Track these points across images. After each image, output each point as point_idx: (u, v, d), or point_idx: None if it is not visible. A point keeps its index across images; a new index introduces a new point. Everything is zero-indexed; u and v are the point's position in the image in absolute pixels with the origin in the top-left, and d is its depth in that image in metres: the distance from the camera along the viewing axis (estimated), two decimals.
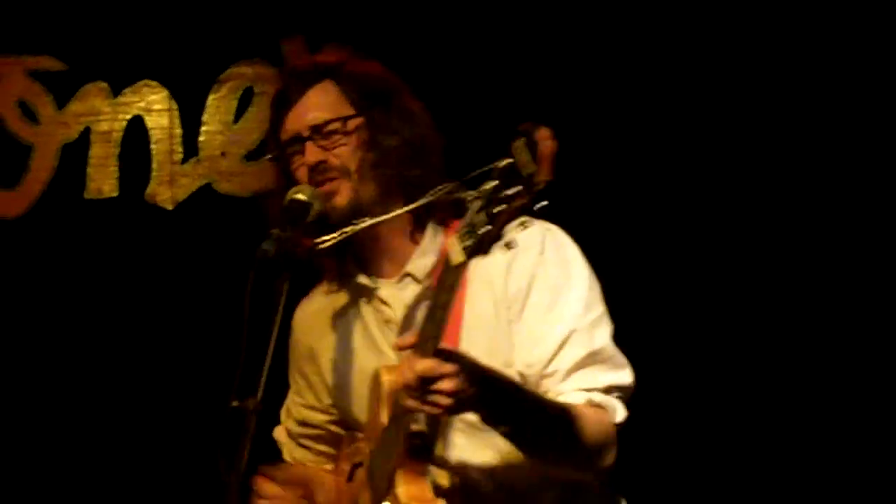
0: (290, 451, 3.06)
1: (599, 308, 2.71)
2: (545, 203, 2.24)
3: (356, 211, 2.70)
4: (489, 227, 2.24)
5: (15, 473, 4.41)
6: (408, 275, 2.76)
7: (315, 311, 2.94)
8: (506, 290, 2.68)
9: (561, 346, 2.64)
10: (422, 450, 2.60)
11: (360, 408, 2.82)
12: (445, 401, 2.40)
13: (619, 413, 2.65)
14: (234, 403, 2.54)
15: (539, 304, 2.67)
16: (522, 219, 2.23)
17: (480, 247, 2.27)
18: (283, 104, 2.79)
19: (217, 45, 4.48)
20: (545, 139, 2.20)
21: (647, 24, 4.30)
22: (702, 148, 4.27)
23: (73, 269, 4.46)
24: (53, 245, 4.47)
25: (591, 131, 4.22)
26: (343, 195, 2.70)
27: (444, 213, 2.75)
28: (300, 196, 2.67)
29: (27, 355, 4.45)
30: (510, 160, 2.22)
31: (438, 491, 2.63)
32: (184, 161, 4.51)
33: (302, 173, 2.74)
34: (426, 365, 2.38)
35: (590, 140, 4.19)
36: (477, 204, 2.27)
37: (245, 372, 2.56)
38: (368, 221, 2.68)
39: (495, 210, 2.23)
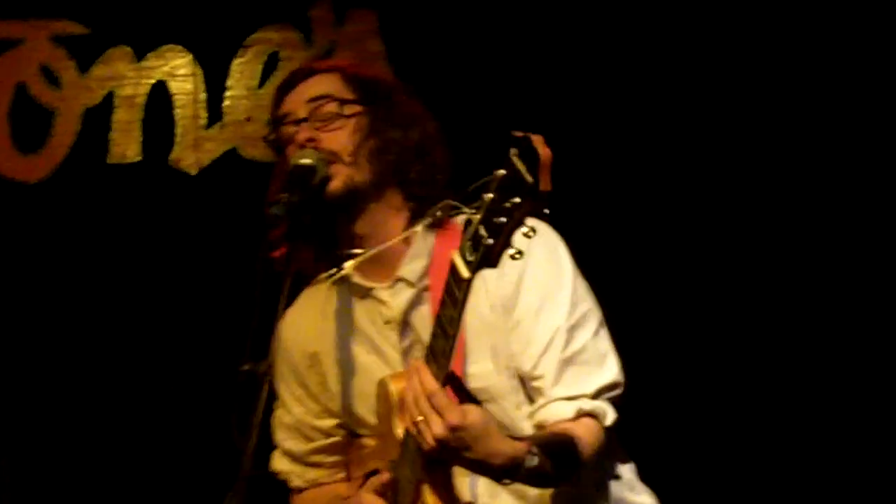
0: (300, 476, 2.99)
1: (585, 305, 2.72)
2: (547, 212, 2.21)
3: (351, 197, 2.69)
4: (493, 241, 2.22)
5: (26, 430, 4.42)
6: (400, 279, 2.75)
7: (307, 316, 2.91)
8: (498, 292, 2.69)
9: (547, 348, 2.66)
10: (441, 461, 2.54)
11: (365, 408, 2.81)
12: (428, 439, 2.40)
13: (609, 416, 2.66)
14: (246, 367, 2.53)
15: (529, 305, 2.68)
16: (525, 229, 2.20)
17: (487, 260, 2.25)
18: (286, 88, 2.80)
19: (242, 10, 4.47)
20: (541, 148, 2.17)
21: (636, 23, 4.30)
22: (693, 148, 4.27)
23: (96, 233, 4.46)
24: (76, 210, 4.47)
25: (585, 133, 4.25)
26: (338, 180, 2.68)
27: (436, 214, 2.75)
28: (305, 160, 2.66)
29: (48, 318, 4.45)
30: (506, 171, 2.19)
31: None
32: (208, 126, 4.50)
33: (293, 151, 2.72)
34: (433, 388, 2.40)
35: (585, 142, 4.21)
36: (478, 217, 2.24)
37: (258, 336, 2.55)
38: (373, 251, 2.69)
39: (497, 222, 2.20)
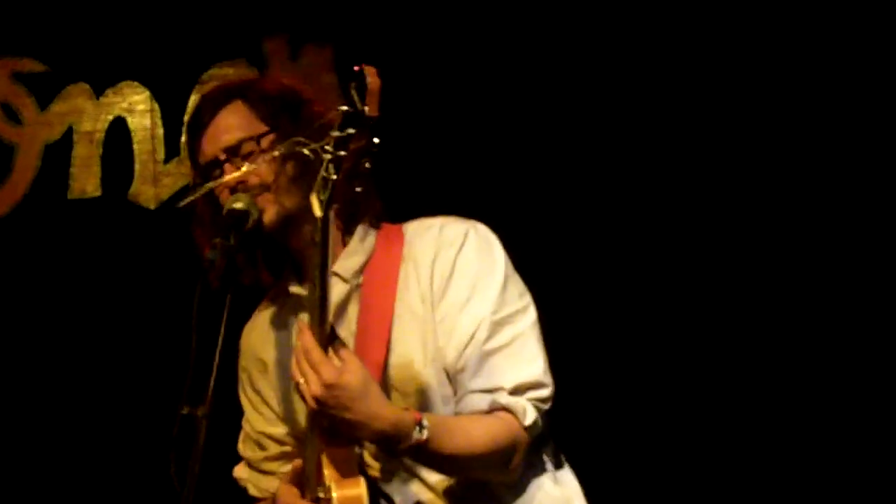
0: (255, 485, 3.02)
1: (517, 305, 2.71)
2: (377, 141, 2.29)
3: (286, 222, 2.73)
4: (336, 176, 2.31)
5: None
6: (334, 274, 2.74)
7: (259, 326, 2.96)
8: (430, 284, 2.71)
9: (470, 340, 2.66)
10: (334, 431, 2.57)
11: (303, 415, 2.80)
12: (308, 400, 2.47)
13: (529, 416, 2.64)
14: (185, 411, 2.57)
15: (456, 298, 2.69)
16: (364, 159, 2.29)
17: (333, 197, 2.35)
18: (196, 129, 2.81)
19: (199, 46, 4.50)
20: (371, 77, 2.25)
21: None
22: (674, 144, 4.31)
23: (56, 269, 4.49)
24: (37, 245, 4.51)
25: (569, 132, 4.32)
26: (270, 212, 2.72)
27: (375, 214, 2.81)
28: (238, 205, 2.68)
29: (8, 353, 4.48)
30: (347, 106, 2.27)
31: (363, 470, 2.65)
32: (166, 161, 4.54)
33: (224, 196, 2.75)
34: (310, 345, 2.46)
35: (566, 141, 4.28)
36: (327, 156, 2.32)
37: (195, 380, 2.59)
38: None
39: (340, 156, 2.29)
